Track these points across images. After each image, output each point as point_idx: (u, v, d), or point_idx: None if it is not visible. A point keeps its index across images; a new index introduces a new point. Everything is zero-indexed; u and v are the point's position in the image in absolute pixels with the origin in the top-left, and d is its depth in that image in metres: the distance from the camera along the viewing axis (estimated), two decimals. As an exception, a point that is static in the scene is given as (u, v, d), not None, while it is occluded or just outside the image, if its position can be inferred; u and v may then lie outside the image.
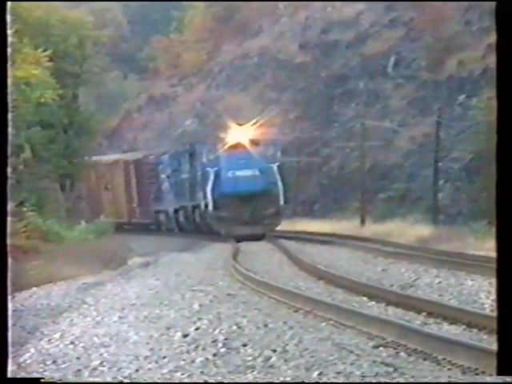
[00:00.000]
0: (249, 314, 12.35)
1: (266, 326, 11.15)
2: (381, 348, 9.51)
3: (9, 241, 7.04)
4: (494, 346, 8.72)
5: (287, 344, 9.77)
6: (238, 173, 33.24)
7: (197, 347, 9.82)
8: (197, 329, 11.07)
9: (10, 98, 7.17)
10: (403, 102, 45.95)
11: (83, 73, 35.19)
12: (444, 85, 43.46)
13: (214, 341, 10.11)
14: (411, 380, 8.08)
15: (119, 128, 68.40)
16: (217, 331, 10.82)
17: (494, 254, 19.98)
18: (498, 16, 6.99)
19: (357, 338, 10.15)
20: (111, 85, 66.42)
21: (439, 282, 16.24)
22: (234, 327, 11.07)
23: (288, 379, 8.19)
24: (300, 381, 8.13)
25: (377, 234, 31.98)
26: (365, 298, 14.07)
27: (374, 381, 8.05)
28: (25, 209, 23.81)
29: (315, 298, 13.28)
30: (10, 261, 7.06)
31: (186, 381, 8.39)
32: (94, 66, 35.86)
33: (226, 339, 10.19)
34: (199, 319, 11.87)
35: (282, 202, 33.59)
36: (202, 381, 8.30)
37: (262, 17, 64.31)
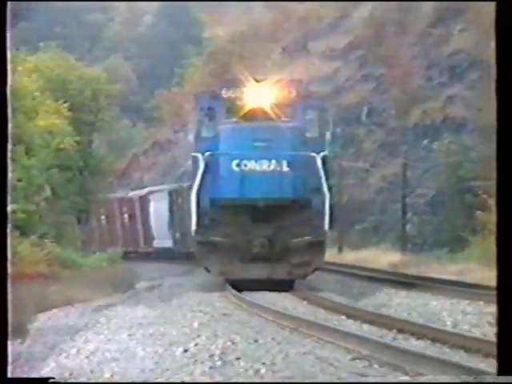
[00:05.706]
0: (242, 331, 12.28)
1: (256, 341, 11.10)
2: (357, 360, 9.47)
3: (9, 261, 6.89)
4: (456, 359, 8.71)
5: (275, 357, 9.72)
6: (251, 165, 17.32)
7: (196, 361, 9.76)
8: (196, 344, 11.01)
9: (9, 90, 6.39)
10: (375, 146, 46.04)
11: (97, 121, 35.32)
12: (410, 131, 43.57)
13: (211, 355, 10.06)
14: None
15: (128, 169, 68.38)
16: (213, 346, 10.76)
17: (455, 278, 19.92)
18: (498, 16, 6.22)
19: (336, 352, 10.11)
20: (121, 132, 66.46)
21: (408, 303, 16.21)
22: (229, 343, 11.01)
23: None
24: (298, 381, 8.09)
25: (353, 260, 31.92)
26: (343, 317, 14.03)
27: (372, 380, 8.00)
28: (46, 240, 23.81)
29: (300, 317, 13.23)
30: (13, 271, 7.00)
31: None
32: (106, 116, 36.01)
33: (221, 353, 10.14)
34: (198, 336, 11.81)
35: (326, 226, 17.54)
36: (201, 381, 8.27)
37: (252, 73, 64.61)
